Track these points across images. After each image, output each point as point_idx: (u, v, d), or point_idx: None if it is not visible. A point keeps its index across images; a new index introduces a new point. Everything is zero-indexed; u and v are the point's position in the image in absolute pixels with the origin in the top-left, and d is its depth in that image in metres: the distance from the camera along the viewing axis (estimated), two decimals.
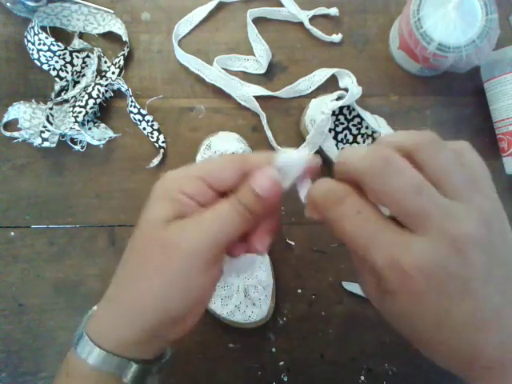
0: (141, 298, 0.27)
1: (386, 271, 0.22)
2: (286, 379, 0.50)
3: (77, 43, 0.52)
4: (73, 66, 0.52)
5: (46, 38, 0.50)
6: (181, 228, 0.26)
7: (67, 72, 0.52)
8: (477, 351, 0.22)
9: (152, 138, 0.52)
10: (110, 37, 0.53)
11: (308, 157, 0.27)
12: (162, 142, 0.52)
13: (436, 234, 0.21)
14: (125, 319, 0.27)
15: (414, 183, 0.22)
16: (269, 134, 0.51)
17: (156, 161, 0.52)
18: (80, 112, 0.49)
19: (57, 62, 0.51)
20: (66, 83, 0.52)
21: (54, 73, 0.52)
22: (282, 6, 0.53)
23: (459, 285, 0.21)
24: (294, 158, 0.27)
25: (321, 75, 0.52)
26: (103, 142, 0.51)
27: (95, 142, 0.51)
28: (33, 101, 0.52)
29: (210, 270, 0.27)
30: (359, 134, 0.51)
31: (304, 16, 0.52)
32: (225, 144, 0.47)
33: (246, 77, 0.53)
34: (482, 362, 0.23)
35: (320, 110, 0.47)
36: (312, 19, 0.53)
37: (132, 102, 0.51)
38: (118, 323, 0.27)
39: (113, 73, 0.52)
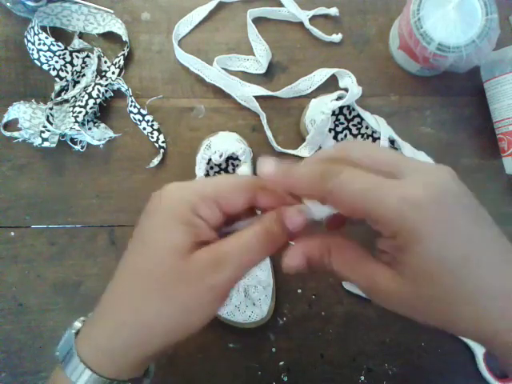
0: (155, 324, 0.26)
1: (402, 209, 0.22)
2: (285, 379, 0.50)
3: (77, 43, 0.52)
4: (73, 65, 0.52)
5: (46, 38, 0.50)
6: (204, 262, 0.26)
7: (67, 72, 0.52)
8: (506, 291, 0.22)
9: (152, 137, 0.52)
10: (110, 37, 0.53)
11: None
12: (162, 142, 0.52)
13: (424, 172, 0.23)
14: (131, 345, 0.26)
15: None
16: (269, 134, 0.51)
17: (156, 161, 0.52)
18: (80, 112, 0.49)
19: (57, 61, 0.51)
20: (66, 83, 0.52)
21: (53, 73, 0.52)
22: (282, 5, 0.53)
23: (474, 204, 0.23)
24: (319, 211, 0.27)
25: (321, 75, 0.52)
26: (103, 141, 0.51)
27: (95, 142, 0.51)
28: (33, 101, 0.52)
29: (221, 303, 0.27)
30: (359, 133, 0.51)
31: (304, 16, 0.52)
32: (225, 144, 0.47)
33: (246, 77, 0.53)
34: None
35: (320, 110, 0.47)
36: (312, 19, 0.53)
37: (132, 101, 0.51)
38: (122, 349, 0.26)
39: (113, 73, 0.52)
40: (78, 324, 0.29)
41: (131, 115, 0.52)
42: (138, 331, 0.26)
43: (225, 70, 0.52)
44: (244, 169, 0.48)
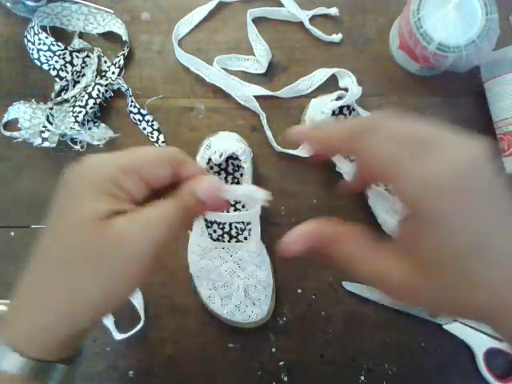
0: (77, 298, 0.25)
1: (424, 192, 0.21)
2: (285, 379, 0.50)
3: (77, 43, 0.52)
4: (73, 65, 0.52)
5: (46, 37, 0.50)
6: (125, 227, 0.24)
7: (67, 72, 0.52)
8: None
9: (152, 137, 0.52)
10: (110, 37, 0.53)
11: (264, 197, 0.28)
12: (162, 142, 0.52)
13: (458, 147, 0.22)
14: (55, 321, 0.25)
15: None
16: (269, 133, 0.51)
17: None
18: (80, 112, 0.49)
19: (57, 61, 0.51)
20: (65, 83, 0.52)
21: (53, 73, 0.52)
22: (282, 5, 0.53)
23: (493, 185, 0.22)
24: (250, 196, 0.28)
25: (321, 75, 0.52)
26: (103, 141, 0.51)
27: (95, 142, 0.51)
28: (33, 101, 0.52)
29: (149, 270, 0.26)
30: None
31: (304, 16, 0.52)
32: (225, 144, 0.47)
33: (246, 77, 0.53)
34: None
35: (320, 110, 0.47)
36: (312, 19, 0.53)
37: (132, 101, 0.51)
38: (46, 326, 0.25)
39: (113, 73, 0.52)
40: (2, 307, 0.28)
41: (131, 115, 0.52)
42: (60, 305, 0.25)
43: (225, 69, 0.52)
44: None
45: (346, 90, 0.48)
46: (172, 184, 0.28)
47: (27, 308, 0.26)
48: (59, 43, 0.51)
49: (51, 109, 0.51)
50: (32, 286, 0.26)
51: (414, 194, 0.22)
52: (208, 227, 0.49)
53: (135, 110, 0.52)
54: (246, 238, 0.49)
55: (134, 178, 0.26)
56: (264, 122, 0.51)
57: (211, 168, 0.50)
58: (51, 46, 0.50)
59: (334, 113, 0.50)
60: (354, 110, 0.50)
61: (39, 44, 0.50)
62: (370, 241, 0.25)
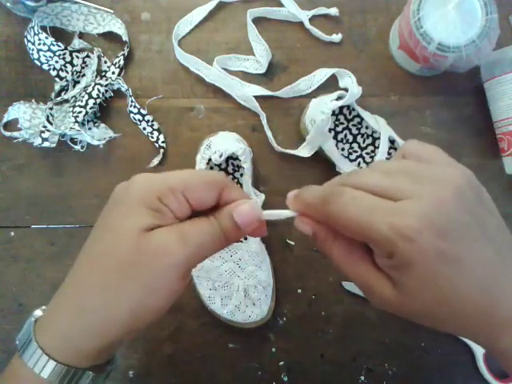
0: (111, 310, 0.25)
1: (393, 237, 0.23)
2: (285, 379, 0.50)
3: (77, 43, 0.52)
4: (73, 65, 0.52)
5: (46, 37, 0.50)
6: (163, 239, 0.25)
7: (67, 72, 0.52)
8: (495, 299, 0.24)
9: (152, 137, 0.52)
10: (110, 37, 0.53)
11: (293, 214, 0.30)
12: (162, 142, 0.52)
13: (421, 195, 0.23)
14: (93, 329, 0.26)
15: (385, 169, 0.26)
16: (269, 133, 0.51)
17: (156, 161, 0.52)
18: (80, 112, 0.49)
19: (57, 61, 0.51)
20: (66, 83, 0.52)
21: (54, 73, 0.52)
22: (282, 5, 0.53)
23: (460, 230, 0.23)
24: (279, 215, 0.30)
25: (321, 75, 0.52)
26: (103, 141, 0.51)
27: (95, 142, 0.51)
28: (33, 101, 0.52)
29: (183, 283, 0.27)
30: (359, 133, 0.51)
31: (304, 16, 0.52)
32: (225, 144, 0.47)
33: (246, 77, 0.53)
34: (502, 312, 0.24)
35: (320, 110, 0.47)
36: (312, 19, 0.53)
37: (132, 101, 0.51)
38: (83, 334, 0.26)
39: (113, 73, 0.52)
40: (38, 312, 0.29)
41: (131, 115, 0.52)
42: (99, 315, 0.25)
43: (225, 69, 0.52)
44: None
45: (346, 90, 0.48)
46: (213, 207, 0.28)
47: (62, 315, 0.27)
48: (59, 43, 0.51)
49: (51, 109, 0.51)
50: (70, 295, 0.27)
51: (387, 241, 0.23)
52: None
53: (135, 110, 0.52)
54: (246, 238, 0.49)
55: (179, 198, 0.26)
56: (264, 122, 0.51)
57: (211, 168, 0.50)
58: (51, 46, 0.50)
59: (334, 113, 0.50)
60: (353, 109, 0.50)
61: (39, 44, 0.50)
62: (362, 252, 0.27)
